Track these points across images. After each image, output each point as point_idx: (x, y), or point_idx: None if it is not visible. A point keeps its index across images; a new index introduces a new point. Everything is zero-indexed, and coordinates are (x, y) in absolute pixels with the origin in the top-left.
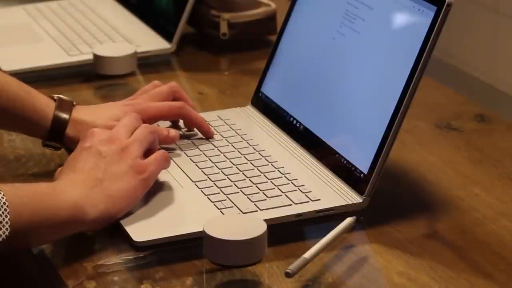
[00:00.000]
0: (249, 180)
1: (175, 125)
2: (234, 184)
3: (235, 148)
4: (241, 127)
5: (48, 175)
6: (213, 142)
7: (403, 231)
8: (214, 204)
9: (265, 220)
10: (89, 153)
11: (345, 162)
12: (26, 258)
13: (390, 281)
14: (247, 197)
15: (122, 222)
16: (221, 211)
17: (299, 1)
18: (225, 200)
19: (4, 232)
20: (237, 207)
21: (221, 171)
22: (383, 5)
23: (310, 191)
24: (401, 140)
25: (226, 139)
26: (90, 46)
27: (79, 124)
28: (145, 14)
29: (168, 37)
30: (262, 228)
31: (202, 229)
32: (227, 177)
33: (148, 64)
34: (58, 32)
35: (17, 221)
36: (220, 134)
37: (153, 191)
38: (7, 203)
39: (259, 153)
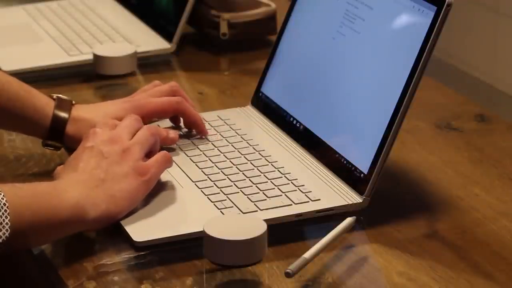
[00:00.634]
0: (249, 180)
1: (175, 126)
2: (234, 184)
3: (235, 148)
4: (241, 127)
5: (48, 175)
6: (213, 142)
7: (403, 231)
8: (214, 204)
9: (265, 220)
10: (91, 153)
11: (345, 162)
12: (26, 258)
13: (390, 281)
14: (247, 197)
15: (122, 222)
16: (221, 211)
17: (299, 1)
18: (225, 200)
19: (4, 233)
20: (237, 207)
21: (221, 171)
22: (383, 5)
23: (310, 191)
24: (401, 140)
25: (226, 139)
26: (90, 46)
27: (78, 121)
28: (145, 14)
29: (168, 37)
30: (262, 228)
31: (202, 229)
32: (227, 177)
33: (148, 64)
34: (58, 32)
35: (17, 221)
36: (220, 134)
37: (153, 191)
38: (7, 204)
39: (259, 153)
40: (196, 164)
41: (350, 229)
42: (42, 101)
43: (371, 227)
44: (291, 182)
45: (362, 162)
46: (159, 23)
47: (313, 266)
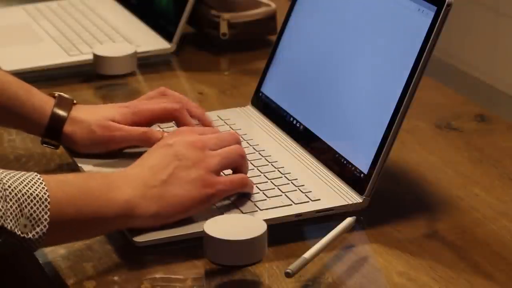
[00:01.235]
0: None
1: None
2: None
3: None
4: (241, 127)
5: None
6: None
7: (403, 231)
8: (214, 204)
9: (265, 220)
10: (167, 151)
11: (345, 162)
12: (26, 259)
13: (390, 281)
14: (247, 197)
15: None
16: (221, 211)
17: (299, 1)
18: (225, 200)
19: (41, 230)
20: (237, 207)
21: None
22: (383, 5)
23: (310, 191)
24: (401, 140)
25: None
26: (90, 46)
27: (76, 122)
28: (145, 14)
29: (168, 37)
30: (262, 228)
31: (202, 229)
32: None
33: (148, 64)
34: (58, 32)
35: (58, 217)
36: None
37: None
38: (48, 199)
39: (259, 153)
40: None
41: (350, 229)
42: (42, 100)
43: (371, 227)
44: (291, 182)
45: (362, 162)
46: (159, 23)
47: (313, 266)
